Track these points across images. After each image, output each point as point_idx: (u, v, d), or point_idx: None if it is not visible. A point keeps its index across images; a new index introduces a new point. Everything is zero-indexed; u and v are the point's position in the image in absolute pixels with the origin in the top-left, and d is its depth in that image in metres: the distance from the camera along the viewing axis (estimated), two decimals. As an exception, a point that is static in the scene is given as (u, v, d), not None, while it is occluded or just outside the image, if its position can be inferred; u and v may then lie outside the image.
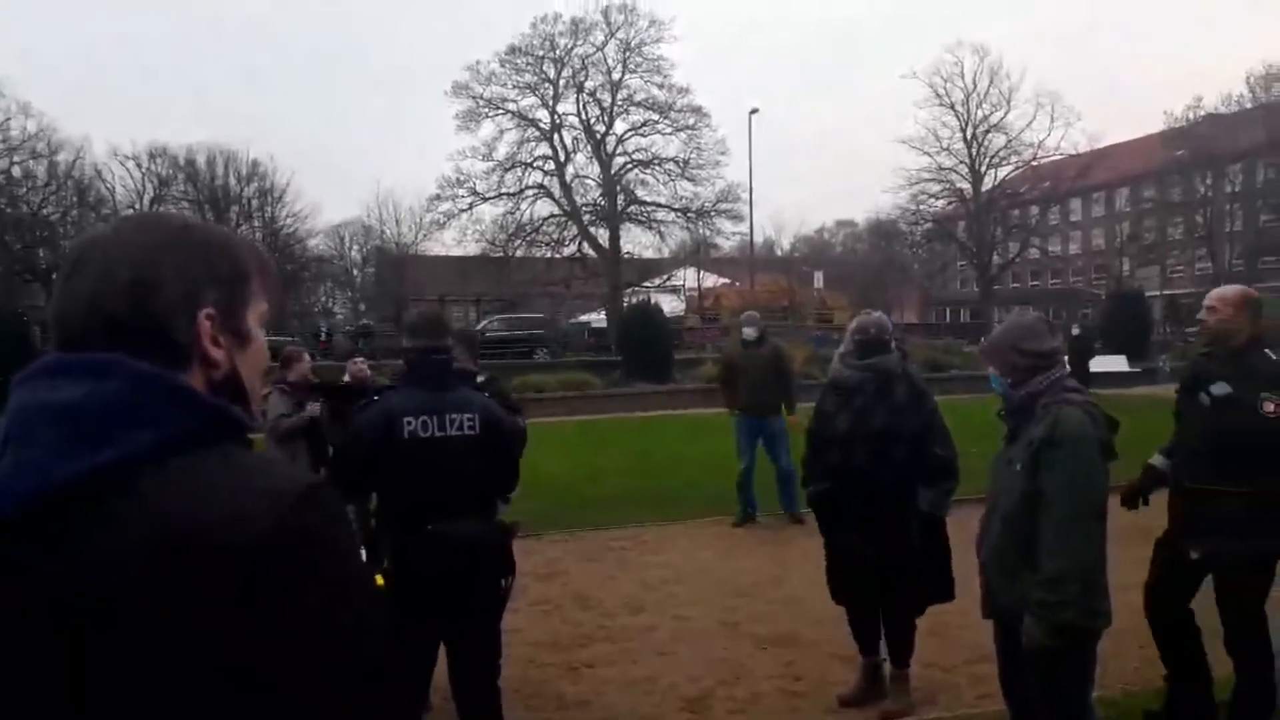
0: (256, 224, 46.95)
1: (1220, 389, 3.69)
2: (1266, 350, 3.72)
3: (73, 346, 0.95)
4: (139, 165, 45.97)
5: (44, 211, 41.61)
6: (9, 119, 40.61)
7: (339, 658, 0.87)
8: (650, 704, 4.65)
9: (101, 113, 70.69)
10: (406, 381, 3.24)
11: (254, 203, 47.14)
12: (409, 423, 3.08)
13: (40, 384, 0.92)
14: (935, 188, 47.89)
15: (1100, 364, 15.78)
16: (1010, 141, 46.26)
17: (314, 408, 6.63)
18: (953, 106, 46.69)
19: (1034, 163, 46.95)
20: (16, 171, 41.48)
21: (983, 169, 47.14)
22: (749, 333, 9.12)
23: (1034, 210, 50.03)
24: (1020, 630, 2.90)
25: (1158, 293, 44.20)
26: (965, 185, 47.66)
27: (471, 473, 3.16)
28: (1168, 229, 51.12)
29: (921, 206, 48.36)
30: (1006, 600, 3.03)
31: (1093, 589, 2.84)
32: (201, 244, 1.04)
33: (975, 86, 46.24)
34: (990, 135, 46.48)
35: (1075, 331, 16.13)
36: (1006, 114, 46.03)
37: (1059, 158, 46.20)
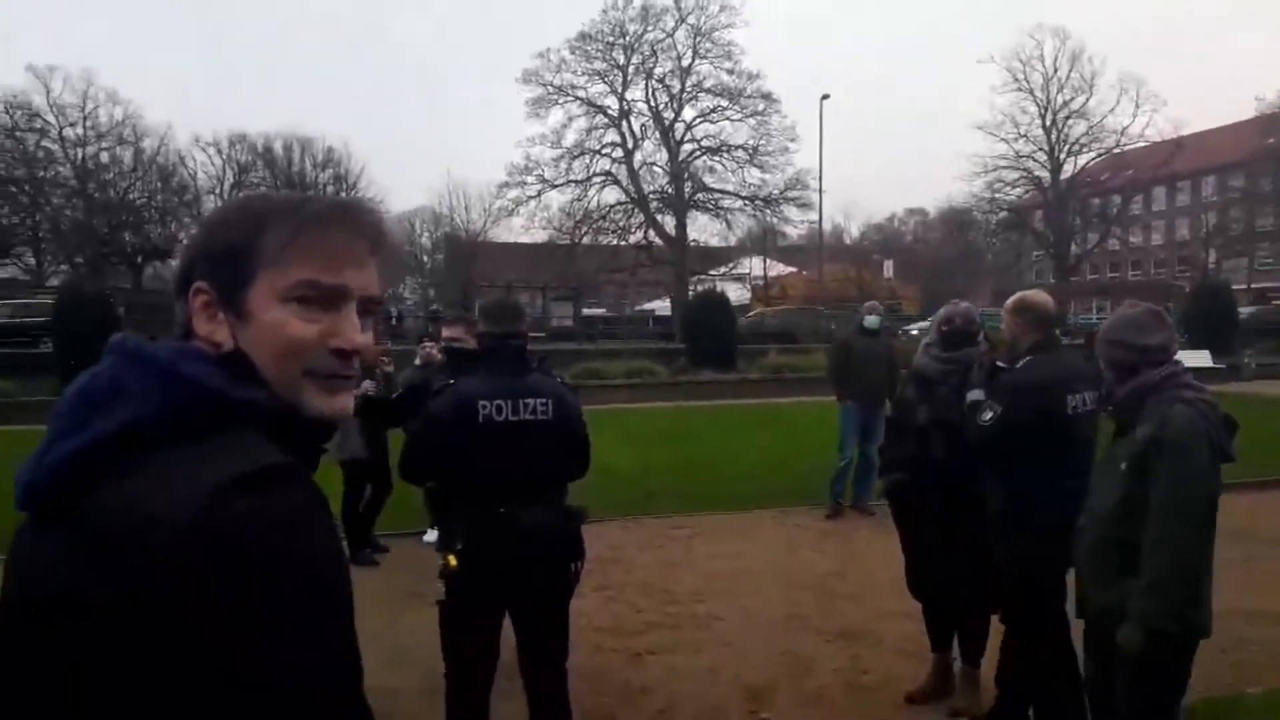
0: (336, 207, 47.95)
1: (973, 395, 3.81)
2: (1058, 354, 3.78)
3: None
4: (219, 152, 47.40)
5: (130, 196, 43.12)
6: (98, 107, 42.39)
7: (291, 638, 0.80)
8: (715, 693, 4.63)
9: (183, 101, 72.95)
10: (482, 366, 3.26)
11: (329, 189, 48.07)
12: (484, 406, 3.10)
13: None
14: (1012, 175, 46.71)
15: (1182, 360, 15.14)
16: (1091, 128, 44.91)
17: (368, 385, 6.75)
18: (1032, 92, 45.48)
19: (1116, 150, 45.44)
20: (105, 157, 43.17)
21: (1062, 156, 45.80)
22: (871, 321, 8.96)
23: (1115, 199, 48.45)
24: (1115, 634, 2.80)
25: (1245, 286, 42.46)
26: (1043, 173, 46.38)
27: (545, 457, 3.18)
28: (1256, 219, 49.02)
29: (997, 195, 47.20)
30: (1101, 602, 2.93)
31: (1195, 598, 2.74)
32: (208, 222, 1.04)
33: (1055, 71, 44.98)
34: (1070, 121, 45.19)
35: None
36: (1088, 100, 44.71)
37: (1142, 145, 44.66)
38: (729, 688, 4.69)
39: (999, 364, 3.87)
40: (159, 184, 44.30)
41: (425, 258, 60.68)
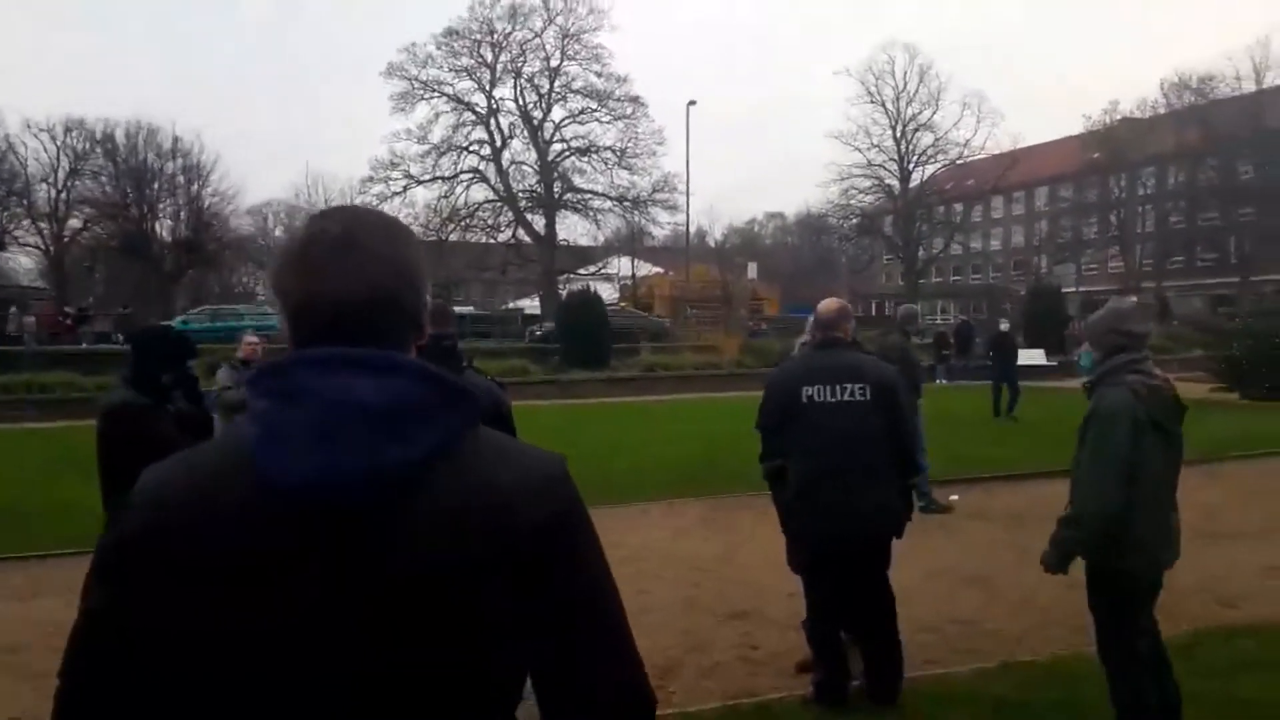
0: (181, 200, 45.48)
1: None
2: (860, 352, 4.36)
3: (344, 329, 1.04)
4: (53, 138, 44.23)
5: (-48, 184, 39.80)
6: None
7: (608, 584, 1.12)
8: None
9: (13, 83, 67.56)
10: None
11: (179, 179, 45.63)
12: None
13: (335, 377, 1.00)
14: (865, 183, 49.16)
15: (1020, 358, 16.51)
16: (938, 140, 47.79)
17: None
18: (884, 104, 47.91)
19: (960, 161, 48.38)
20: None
21: (911, 166, 48.44)
22: (912, 326, 9.33)
23: (958, 208, 51.60)
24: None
25: (1074, 289, 45.98)
26: (894, 181, 48.89)
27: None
28: (1083, 228, 53.17)
29: (851, 201, 49.49)
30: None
31: (1114, 537, 3.30)
32: (417, 241, 1.20)
33: (906, 85, 47.54)
34: (919, 133, 47.90)
35: (1003, 327, 16.74)
36: (935, 113, 47.51)
37: (983, 157, 47.73)
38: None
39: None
40: (-15, 170, 41.05)
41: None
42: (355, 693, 0.99)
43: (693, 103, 40.39)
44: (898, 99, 47.71)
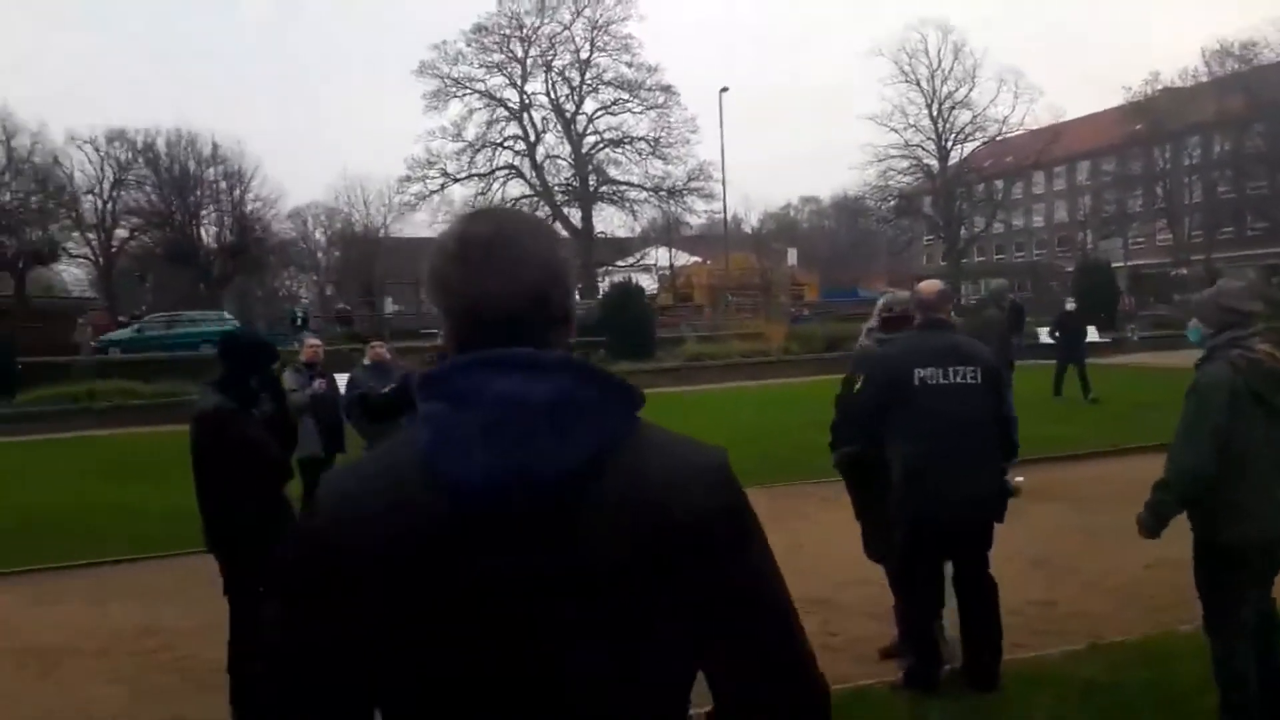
0: (225, 207, 46.13)
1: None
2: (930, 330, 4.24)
3: (505, 330, 1.05)
4: (97, 150, 45.09)
5: (3, 199, 40.68)
6: (-39, 105, 39.81)
7: (776, 574, 1.12)
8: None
9: (57, 97, 69.08)
10: None
11: (221, 185, 46.27)
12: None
13: (504, 378, 1.01)
14: (903, 164, 48.58)
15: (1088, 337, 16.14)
16: (975, 117, 47.06)
17: (320, 384, 7.14)
18: (918, 83, 47.33)
19: (999, 138, 47.66)
20: (-27, 158, 40.62)
21: (949, 145, 47.78)
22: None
23: (998, 185, 50.81)
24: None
25: (1122, 264, 45.19)
26: (932, 161, 48.27)
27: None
28: (1128, 201, 52.13)
29: (890, 183, 48.95)
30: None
31: (1210, 507, 3.36)
32: (561, 241, 1.20)
33: (940, 63, 46.88)
34: (955, 111, 47.21)
35: (1069, 306, 16.17)
36: (971, 91, 46.77)
37: (1022, 133, 46.95)
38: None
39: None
40: (34, 184, 41.90)
41: (321, 255, 59.15)
42: (532, 691, 1.00)
43: (725, 89, 40.21)
44: (932, 77, 47.14)
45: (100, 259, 46.20)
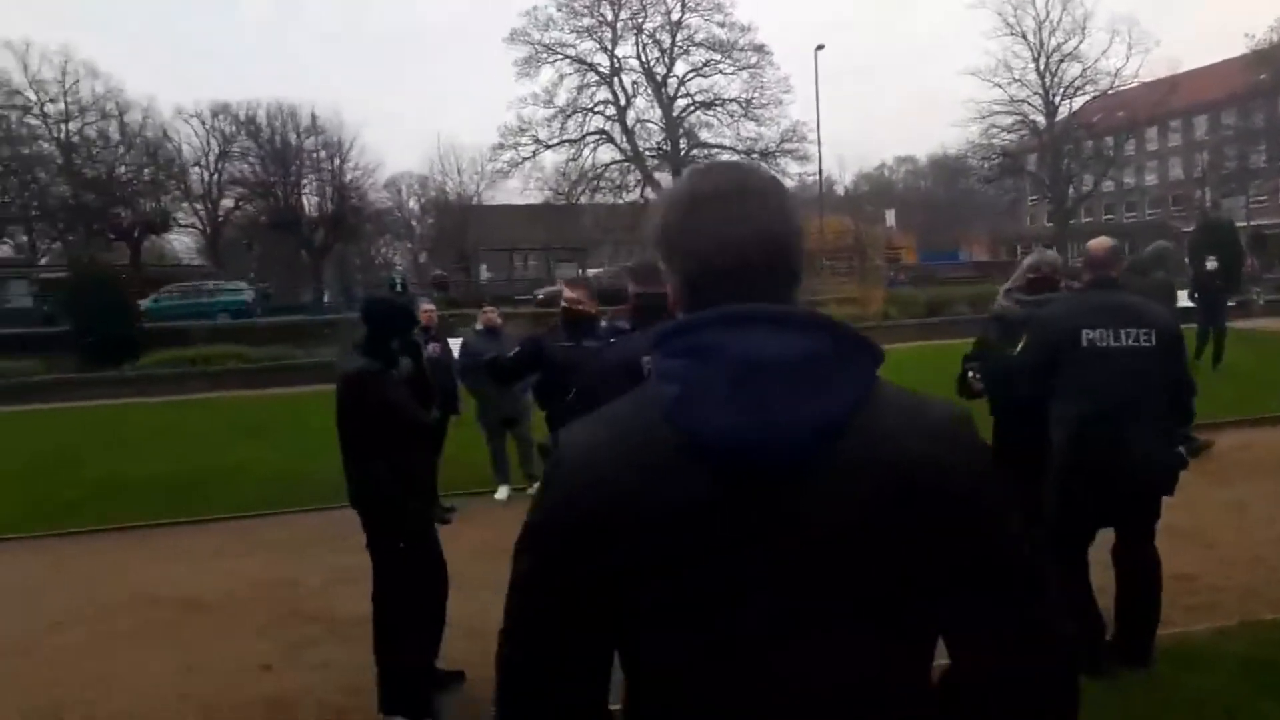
0: (325, 177, 47.36)
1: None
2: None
3: (745, 285, 1.04)
4: (203, 123, 46.72)
5: (118, 171, 42.63)
6: (78, 81, 41.84)
7: (1018, 526, 1.06)
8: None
9: (165, 72, 71.79)
10: (640, 325, 3.38)
11: (321, 155, 47.48)
12: (648, 362, 3.22)
13: (749, 333, 1.00)
14: (1007, 120, 46.65)
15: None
16: (1085, 70, 44.85)
17: (434, 348, 7.35)
18: (1024, 35, 45.29)
19: (1110, 91, 45.38)
20: (90, 132, 42.59)
21: (1057, 100, 45.74)
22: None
23: (1109, 141, 48.45)
24: None
25: (1244, 223, 42.75)
26: (1039, 117, 46.31)
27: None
28: (1251, 157, 49.15)
29: (993, 140, 47.15)
30: None
31: None
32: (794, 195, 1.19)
33: (1047, 14, 44.76)
34: (1064, 64, 45.08)
35: (1210, 266, 14.17)
36: (1081, 42, 44.57)
37: (1135, 85, 44.63)
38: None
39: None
40: (146, 157, 43.76)
41: (414, 223, 60.31)
42: (778, 647, 0.99)
43: (820, 47, 39.19)
44: (1039, 29, 45.03)
45: (207, 228, 48.06)
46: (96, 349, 20.20)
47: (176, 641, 5.01)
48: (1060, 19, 44.55)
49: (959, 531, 1.01)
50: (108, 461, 10.22)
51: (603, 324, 5.02)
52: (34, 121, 41.72)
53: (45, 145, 42.02)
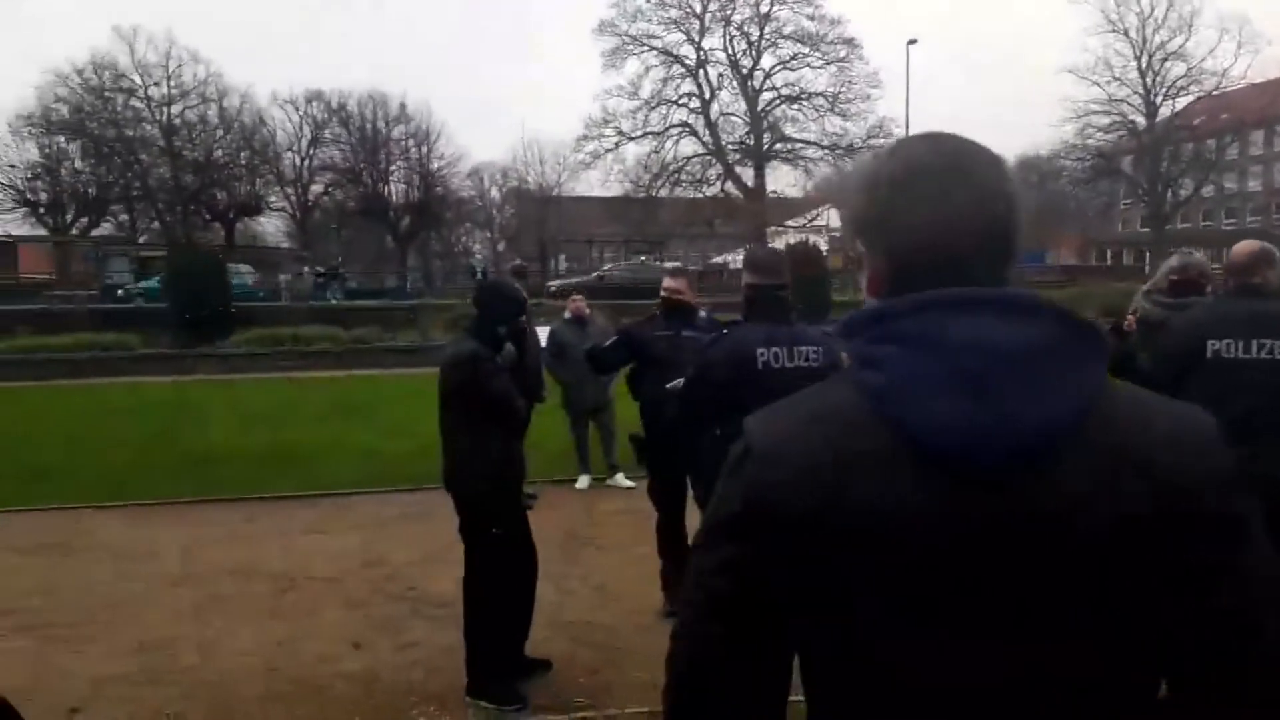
0: (412, 165, 48.17)
1: None
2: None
3: (962, 266, 0.95)
4: (296, 109, 47.89)
5: (216, 154, 44.08)
6: (180, 66, 43.37)
7: (1263, 535, 0.95)
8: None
9: (263, 58, 74.03)
10: (752, 316, 3.30)
11: (409, 144, 48.29)
12: (762, 354, 3.15)
13: (970, 320, 0.91)
14: (1104, 120, 44.99)
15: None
16: (1190, 69, 43.01)
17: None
18: (1126, 32, 43.65)
19: (1215, 92, 43.47)
20: (191, 116, 44.15)
21: (1159, 100, 43.98)
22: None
23: (1210, 144, 46.43)
24: None
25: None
26: (1138, 118, 44.60)
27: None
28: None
29: (1088, 141, 45.54)
30: None
31: None
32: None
33: (1152, 11, 43.04)
34: (1168, 63, 43.30)
35: None
36: (1187, 40, 42.75)
37: (1243, 86, 42.66)
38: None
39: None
40: (242, 141, 45.12)
41: (495, 213, 60.97)
42: (999, 663, 0.90)
43: (913, 41, 38.42)
44: (1143, 26, 43.33)
45: (297, 212, 49.35)
46: (193, 326, 20.91)
47: (270, 613, 5.11)
48: (1166, 15, 42.87)
49: (1202, 546, 0.91)
50: (203, 434, 10.55)
51: (702, 314, 4.96)
52: (138, 104, 43.39)
53: (148, 128, 43.65)
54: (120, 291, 28.23)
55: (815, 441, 0.94)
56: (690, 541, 4.00)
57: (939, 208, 0.96)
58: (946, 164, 0.99)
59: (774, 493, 0.94)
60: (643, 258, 36.81)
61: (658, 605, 5.02)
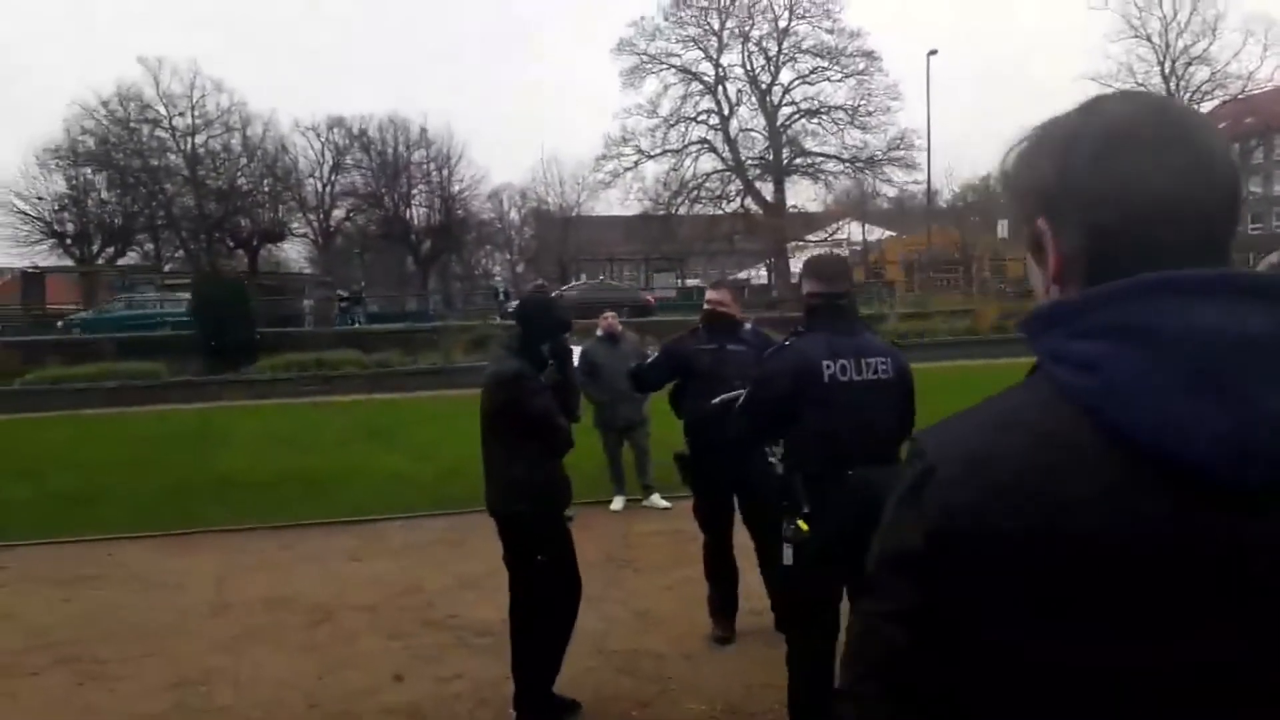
0: (434, 188, 48.36)
1: None
2: None
3: (1187, 245, 0.80)
4: (318, 135, 48.27)
5: (239, 182, 44.50)
6: (204, 95, 43.86)
7: None
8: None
9: (283, 86, 74.85)
10: (815, 326, 3.15)
11: (430, 168, 48.51)
12: (828, 366, 3.00)
13: (1213, 308, 0.76)
14: (1128, 127, 44.50)
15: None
16: (1214, 74, 42.57)
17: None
18: (1149, 38, 43.31)
19: (1240, 96, 43.00)
20: (215, 145, 44.64)
21: (1183, 104, 43.55)
22: None
23: (1235, 148, 45.90)
24: None
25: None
26: (1162, 124, 44.14)
27: (887, 417, 3.07)
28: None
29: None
30: None
31: None
32: None
33: (1175, 15, 42.70)
34: (1192, 68, 42.89)
35: None
36: (1211, 44, 42.35)
37: (1270, 89, 42.19)
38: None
39: None
40: (265, 169, 45.53)
41: (514, 234, 61.12)
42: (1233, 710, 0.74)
43: (933, 52, 38.20)
44: (1166, 31, 42.99)
45: (319, 238, 49.67)
46: (218, 352, 20.99)
47: (307, 644, 4.98)
48: (1189, 20, 42.49)
49: None
50: (232, 460, 10.48)
51: (747, 327, 4.81)
52: (163, 135, 43.92)
53: (172, 157, 44.15)
54: (59, 323, 28.21)
55: (1011, 456, 0.78)
56: (775, 564, 3.81)
57: (1155, 175, 0.81)
58: (1160, 122, 0.83)
59: (964, 520, 0.78)
60: (623, 278, 36.75)
61: (705, 630, 4.85)
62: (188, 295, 30.72)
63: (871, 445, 3.01)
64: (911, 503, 0.83)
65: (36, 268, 39.47)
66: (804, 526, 2.97)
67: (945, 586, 0.79)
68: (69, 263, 41.75)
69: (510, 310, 29.90)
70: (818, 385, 2.99)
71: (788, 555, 3.03)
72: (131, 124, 43.08)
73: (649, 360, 4.92)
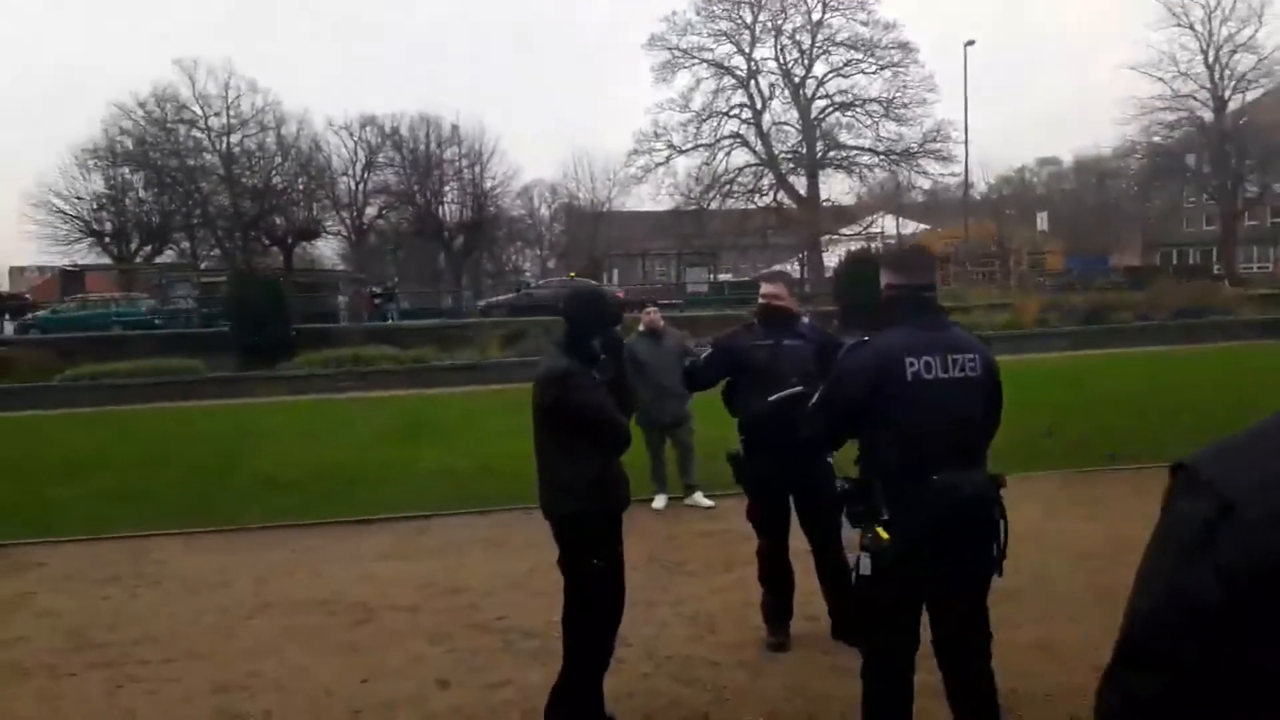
0: (466, 185, 48.39)
1: None
2: None
3: None
4: (351, 135, 48.45)
5: (274, 181, 44.83)
6: (239, 96, 44.24)
7: None
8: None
9: (318, 85, 75.41)
10: (897, 320, 2.93)
11: (461, 165, 48.54)
12: (911, 363, 2.78)
13: None
14: (1170, 117, 43.57)
15: None
16: (1261, 61, 41.50)
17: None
18: (1191, 26, 42.31)
19: (1288, 83, 41.91)
20: (250, 144, 45.01)
21: (1227, 94, 42.48)
22: None
23: (1280, 138, 44.74)
24: None
25: None
26: (1205, 113, 43.12)
27: (975, 417, 2.86)
28: None
29: (1153, 139, 44.13)
30: None
31: None
32: None
33: (1218, 2, 41.67)
34: (1237, 55, 41.87)
35: None
36: (1257, 31, 41.30)
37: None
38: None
39: None
40: (299, 168, 45.80)
41: (544, 230, 61.06)
42: None
43: (971, 43, 37.55)
44: (1209, 18, 42.01)
45: (352, 235, 49.93)
46: (255, 349, 21.08)
47: (350, 646, 4.84)
48: (1233, 7, 41.45)
49: None
50: (270, 456, 10.43)
51: (804, 320, 4.60)
52: (199, 134, 44.37)
53: (208, 157, 44.60)
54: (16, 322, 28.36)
55: None
56: (839, 571, 3.64)
57: None
58: None
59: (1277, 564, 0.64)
60: (655, 273, 36.57)
61: (759, 636, 4.66)
62: (144, 296, 31.05)
63: (958, 448, 2.80)
64: (1197, 555, 0.69)
65: (75, 266, 40.05)
66: (883, 534, 2.77)
67: (1253, 652, 0.66)
68: (107, 261, 42.32)
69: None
70: (899, 384, 2.78)
71: (865, 565, 2.83)
72: (168, 124, 43.61)
73: (702, 357, 4.72)
